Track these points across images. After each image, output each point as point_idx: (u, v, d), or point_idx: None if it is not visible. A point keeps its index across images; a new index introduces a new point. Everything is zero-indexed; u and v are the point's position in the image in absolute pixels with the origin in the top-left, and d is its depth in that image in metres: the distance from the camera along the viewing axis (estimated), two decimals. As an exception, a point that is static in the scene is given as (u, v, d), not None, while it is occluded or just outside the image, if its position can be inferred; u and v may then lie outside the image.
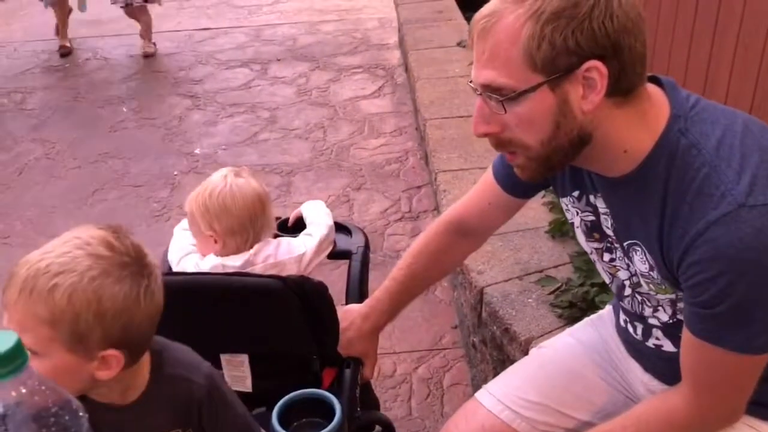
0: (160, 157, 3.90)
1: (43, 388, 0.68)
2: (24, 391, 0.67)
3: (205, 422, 1.16)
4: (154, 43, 5.47)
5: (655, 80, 1.08)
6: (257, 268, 1.51)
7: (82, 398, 1.06)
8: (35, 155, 4.02)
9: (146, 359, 1.11)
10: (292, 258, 1.56)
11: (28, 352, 0.70)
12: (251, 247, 1.52)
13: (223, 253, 1.51)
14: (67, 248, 0.98)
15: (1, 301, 0.98)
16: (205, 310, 1.40)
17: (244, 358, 1.58)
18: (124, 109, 4.54)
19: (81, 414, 0.71)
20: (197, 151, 3.96)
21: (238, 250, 1.51)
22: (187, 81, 4.91)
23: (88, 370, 0.99)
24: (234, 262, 1.50)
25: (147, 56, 5.36)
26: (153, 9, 5.40)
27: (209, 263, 1.51)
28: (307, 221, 1.68)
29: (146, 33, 5.42)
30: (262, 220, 1.53)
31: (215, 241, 1.52)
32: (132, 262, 0.99)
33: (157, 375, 1.12)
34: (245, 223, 1.51)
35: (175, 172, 3.73)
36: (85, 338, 0.96)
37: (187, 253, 1.56)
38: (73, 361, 0.97)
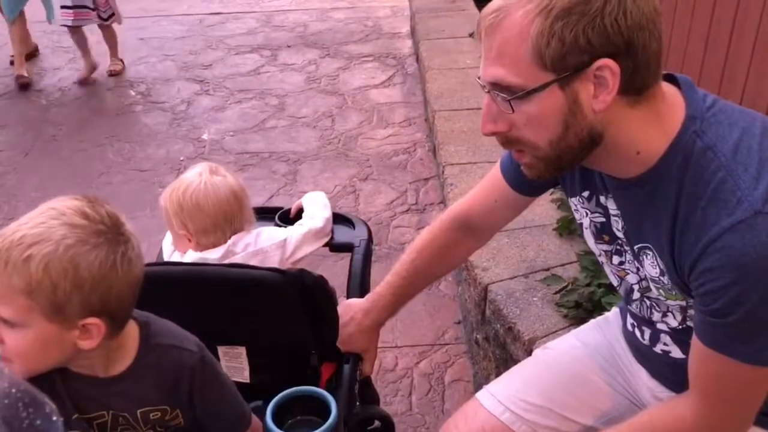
0: (167, 142, 3.88)
1: (14, 390, 0.65)
2: (-7, 394, 0.65)
3: (197, 396, 1.15)
4: (122, 60, 4.98)
5: (670, 78, 1.04)
6: (238, 258, 1.49)
7: (65, 373, 1.06)
8: (43, 137, 4.00)
9: (134, 331, 1.11)
10: (273, 245, 1.54)
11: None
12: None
13: (199, 249, 1.49)
14: (42, 219, 0.98)
15: None
16: (202, 300, 1.37)
17: (242, 350, 1.56)
18: (132, 93, 4.52)
19: (55, 418, 0.69)
20: (204, 136, 3.94)
21: (215, 246, 1.50)
22: (197, 65, 4.88)
23: (70, 340, 0.99)
24: (213, 255, 1.49)
25: (112, 75, 4.83)
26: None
27: (189, 258, 1.49)
28: (304, 213, 1.67)
29: (113, 50, 4.93)
30: (239, 219, 1.52)
31: (188, 240, 1.50)
32: (107, 230, 0.99)
33: (146, 345, 1.12)
34: (219, 222, 1.49)
35: (182, 158, 3.71)
36: (63, 307, 0.96)
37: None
38: (54, 331, 0.97)
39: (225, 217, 1.49)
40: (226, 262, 1.49)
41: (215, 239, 1.50)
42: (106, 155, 3.77)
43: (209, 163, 1.55)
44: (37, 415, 0.66)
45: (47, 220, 0.98)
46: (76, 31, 4.62)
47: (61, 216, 0.98)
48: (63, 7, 4.49)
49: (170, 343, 1.13)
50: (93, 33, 4.83)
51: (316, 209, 1.67)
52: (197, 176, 1.50)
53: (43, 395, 0.69)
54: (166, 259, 1.54)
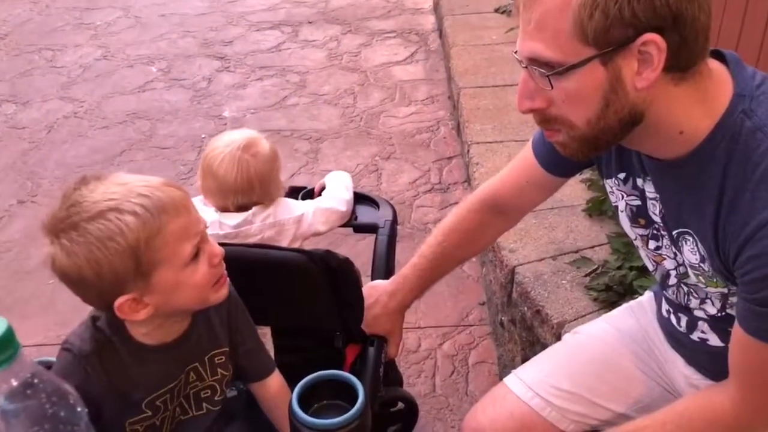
0: (188, 120, 3.86)
1: (37, 381, 0.63)
2: (15, 383, 0.62)
3: (238, 328, 1.22)
4: None
5: (717, 55, 0.99)
6: (255, 227, 1.53)
7: (140, 357, 1.07)
8: (64, 113, 4.00)
9: None
10: (291, 218, 1.57)
11: (17, 342, 0.65)
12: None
13: (212, 204, 1.56)
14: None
15: (178, 224, 1.01)
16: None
17: (267, 330, 1.55)
18: (153, 70, 4.50)
19: (79, 409, 0.67)
20: (225, 114, 3.91)
21: (221, 209, 1.56)
22: (217, 42, 4.84)
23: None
24: (230, 221, 1.53)
25: None
26: None
27: (209, 218, 1.51)
28: (325, 192, 1.65)
29: None
30: (249, 196, 1.55)
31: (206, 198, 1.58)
32: None
33: None
34: (223, 191, 1.54)
35: (203, 136, 3.69)
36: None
37: None
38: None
39: (229, 190, 1.53)
40: (241, 231, 1.52)
41: (216, 203, 1.55)
42: (127, 132, 3.76)
43: (253, 136, 1.58)
44: (60, 405, 0.64)
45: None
46: None
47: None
48: None
49: None
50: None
51: (338, 190, 1.66)
52: (228, 144, 1.54)
53: (67, 385, 0.67)
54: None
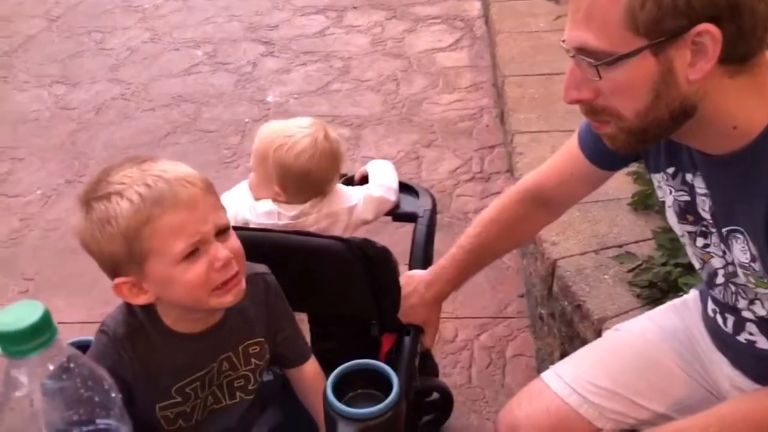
0: (232, 104, 3.89)
1: (72, 365, 0.64)
2: (51, 367, 0.63)
3: (278, 318, 1.22)
4: None
5: (776, 46, 0.95)
6: (311, 218, 1.51)
7: (171, 343, 1.07)
8: (111, 95, 4.06)
9: None
10: (344, 208, 1.55)
11: (55, 327, 0.65)
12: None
13: (278, 201, 1.52)
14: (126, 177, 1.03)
15: (176, 218, 1.01)
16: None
17: (304, 317, 1.56)
18: (199, 53, 4.54)
19: (114, 394, 0.67)
20: (269, 98, 3.93)
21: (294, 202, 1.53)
22: (263, 26, 4.86)
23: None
24: (289, 212, 1.51)
25: None
26: None
27: (265, 208, 1.50)
28: (371, 180, 1.64)
29: None
30: (328, 186, 1.54)
31: (277, 196, 1.52)
32: None
33: None
34: (315, 190, 1.51)
35: (246, 120, 3.71)
36: None
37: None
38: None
39: (321, 187, 1.52)
40: (299, 222, 1.51)
41: (299, 200, 1.52)
42: (172, 115, 3.81)
43: (320, 123, 1.54)
44: (95, 390, 0.65)
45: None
46: None
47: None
48: None
49: (249, 272, 1.16)
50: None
51: (386, 178, 1.65)
52: (312, 141, 1.47)
53: (102, 370, 0.68)
54: (230, 215, 1.54)
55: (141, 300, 1.06)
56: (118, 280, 1.04)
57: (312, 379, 1.29)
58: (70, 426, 0.63)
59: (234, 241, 1.08)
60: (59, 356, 0.63)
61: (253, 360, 1.21)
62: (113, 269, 1.05)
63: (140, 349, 1.09)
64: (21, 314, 0.64)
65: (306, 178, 1.48)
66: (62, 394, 0.63)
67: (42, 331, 0.63)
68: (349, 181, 1.73)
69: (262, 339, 1.21)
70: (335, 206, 1.54)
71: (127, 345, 1.08)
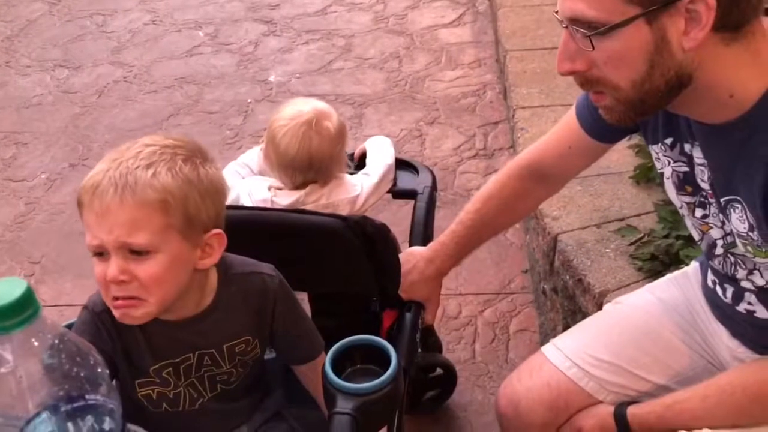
0: (234, 84, 3.87)
1: (57, 342, 0.65)
2: (36, 343, 0.64)
3: (279, 320, 1.19)
4: None
5: (772, 12, 0.93)
6: (307, 208, 1.49)
7: (147, 323, 1.07)
8: (114, 78, 4.06)
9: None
10: (345, 199, 1.53)
11: (38, 303, 0.66)
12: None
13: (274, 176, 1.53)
14: (139, 148, 1.02)
15: (91, 216, 1.00)
16: (263, 246, 1.36)
17: (304, 296, 1.56)
18: (200, 34, 4.52)
19: (100, 369, 0.68)
20: (271, 78, 3.91)
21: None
22: (264, 6, 4.82)
23: (194, 260, 1.03)
24: (283, 201, 1.49)
25: None
26: None
27: (260, 195, 1.50)
28: (368, 159, 1.63)
29: None
30: (314, 175, 1.52)
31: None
32: (199, 151, 1.07)
33: (226, 277, 1.15)
34: (314, 173, 1.51)
35: (249, 100, 3.70)
36: (194, 220, 1.01)
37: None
38: (185, 250, 1.01)
39: (288, 165, 1.50)
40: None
41: (274, 174, 1.53)
42: (175, 97, 3.80)
43: (323, 111, 1.52)
44: (82, 366, 0.65)
45: (142, 148, 1.02)
46: None
47: (153, 145, 1.03)
48: None
49: (249, 270, 1.17)
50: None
51: (380, 157, 1.64)
52: (294, 117, 1.49)
53: (89, 345, 0.68)
54: (231, 198, 1.54)
55: None
56: None
57: (318, 374, 1.23)
58: (59, 402, 0.64)
59: (149, 267, 0.99)
60: (45, 333, 0.64)
61: (238, 357, 1.18)
62: None
63: (118, 324, 1.08)
64: (3, 291, 0.64)
65: (309, 165, 1.49)
66: (50, 370, 0.63)
67: (24, 307, 0.63)
68: (349, 159, 1.73)
69: (249, 337, 1.18)
70: (335, 197, 1.53)
71: (105, 318, 1.08)
